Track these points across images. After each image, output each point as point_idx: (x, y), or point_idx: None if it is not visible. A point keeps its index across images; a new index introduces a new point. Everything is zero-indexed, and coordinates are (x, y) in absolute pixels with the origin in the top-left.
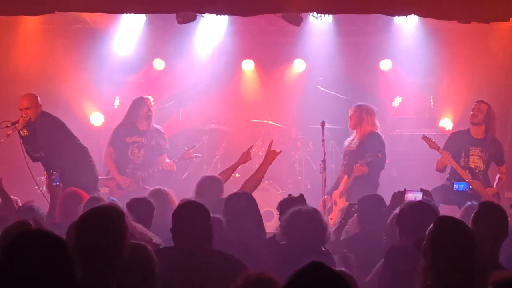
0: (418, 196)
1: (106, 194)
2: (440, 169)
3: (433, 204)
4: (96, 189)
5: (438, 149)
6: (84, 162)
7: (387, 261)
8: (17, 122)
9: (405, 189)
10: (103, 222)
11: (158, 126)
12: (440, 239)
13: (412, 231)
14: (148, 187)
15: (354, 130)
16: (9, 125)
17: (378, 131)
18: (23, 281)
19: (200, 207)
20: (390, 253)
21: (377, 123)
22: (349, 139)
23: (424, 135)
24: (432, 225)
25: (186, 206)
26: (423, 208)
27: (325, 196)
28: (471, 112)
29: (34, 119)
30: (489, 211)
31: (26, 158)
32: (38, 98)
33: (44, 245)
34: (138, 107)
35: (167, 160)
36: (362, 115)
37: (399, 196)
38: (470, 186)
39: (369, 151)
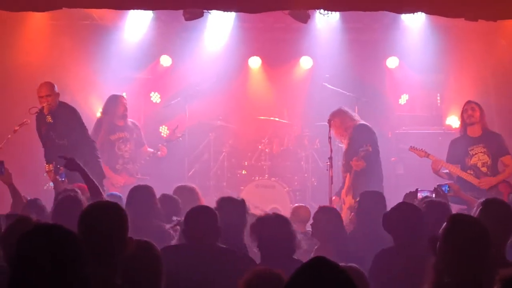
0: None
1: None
2: (440, 175)
3: (444, 203)
4: (101, 186)
5: (428, 156)
6: (94, 158)
7: (374, 263)
8: (43, 108)
9: (417, 189)
10: (104, 217)
11: (132, 120)
12: (454, 236)
13: (396, 231)
14: (145, 177)
15: None
16: (38, 111)
17: (361, 122)
18: (35, 277)
19: (209, 210)
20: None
21: (355, 115)
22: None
23: (410, 146)
24: (446, 223)
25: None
26: (406, 208)
27: (334, 197)
28: (466, 113)
29: (55, 107)
30: (494, 208)
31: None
32: (55, 86)
33: (54, 240)
34: (114, 106)
35: (149, 149)
36: (337, 122)
37: (411, 196)
38: (448, 188)
39: (359, 144)
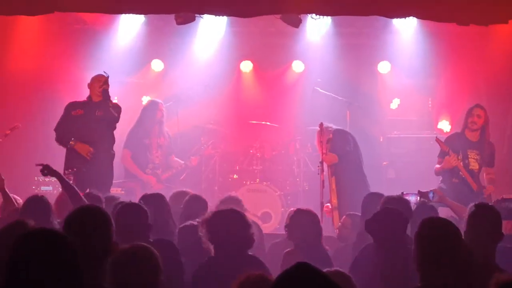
0: (413, 199)
1: (122, 195)
2: (439, 173)
3: (430, 206)
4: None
5: (448, 151)
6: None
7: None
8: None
9: (402, 193)
10: (89, 221)
11: (166, 128)
12: (424, 239)
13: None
14: (172, 186)
15: None
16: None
17: (334, 127)
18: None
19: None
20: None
21: (330, 124)
22: None
23: (436, 137)
24: (417, 228)
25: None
26: (387, 213)
27: (326, 205)
28: (471, 119)
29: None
30: (483, 213)
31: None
32: None
33: (48, 245)
34: (152, 111)
35: (176, 159)
36: (323, 136)
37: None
38: (433, 194)
39: (336, 147)
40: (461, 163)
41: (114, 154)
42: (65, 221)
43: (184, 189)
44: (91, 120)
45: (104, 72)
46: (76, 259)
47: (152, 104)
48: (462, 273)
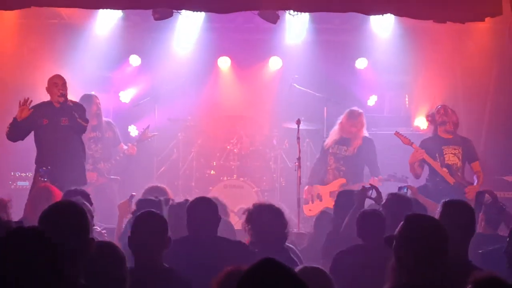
0: (373, 193)
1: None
2: (415, 169)
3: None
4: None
5: (411, 144)
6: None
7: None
8: (63, 94)
9: (363, 186)
10: (65, 217)
11: (107, 119)
12: (408, 236)
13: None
14: (116, 177)
15: (336, 131)
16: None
17: (368, 135)
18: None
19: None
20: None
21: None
22: (333, 140)
23: (396, 131)
24: (401, 223)
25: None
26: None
27: (306, 187)
28: (439, 113)
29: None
30: (455, 208)
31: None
32: None
33: (30, 243)
34: (87, 105)
35: (125, 147)
36: (363, 120)
37: (361, 193)
38: (406, 190)
39: (366, 157)
40: (438, 161)
41: (84, 157)
42: (40, 217)
43: (158, 184)
44: (57, 131)
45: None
46: (55, 256)
47: (85, 98)
48: (448, 270)
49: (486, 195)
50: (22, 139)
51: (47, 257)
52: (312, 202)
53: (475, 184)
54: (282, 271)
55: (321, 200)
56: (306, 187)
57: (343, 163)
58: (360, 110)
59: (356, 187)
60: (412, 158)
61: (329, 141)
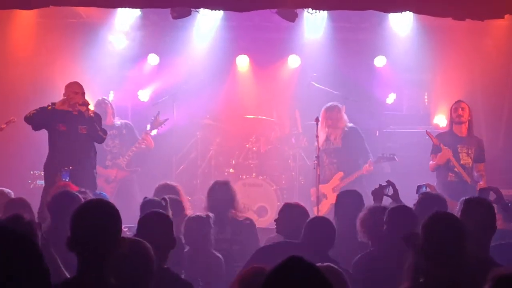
0: (390, 190)
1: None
2: (437, 167)
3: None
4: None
5: (440, 144)
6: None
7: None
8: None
9: (380, 185)
10: (99, 215)
11: (125, 121)
12: (431, 233)
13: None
14: (137, 169)
15: (321, 132)
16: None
17: (351, 124)
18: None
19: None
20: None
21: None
22: (322, 140)
23: (427, 130)
24: (424, 220)
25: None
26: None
27: (311, 189)
28: (456, 112)
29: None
30: (475, 206)
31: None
32: None
33: (8, 244)
34: (103, 109)
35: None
36: (339, 112)
37: (378, 192)
38: (425, 188)
39: (354, 145)
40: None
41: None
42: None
43: (167, 182)
44: (74, 138)
45: None
46: (39, 258)
47: (99, 101)
48: (468, 268)
49: (491, 192)
50: (35, 128)
51: (27, 259)
52: (320, 202)
53: (480, 183)
54: (310, 270)
55: (326, 199)
56: (311, 190)
57: (334, 155)
58: (335, 103)
59: (354, 177)
60: (441, 159)
61: (320, 143)
